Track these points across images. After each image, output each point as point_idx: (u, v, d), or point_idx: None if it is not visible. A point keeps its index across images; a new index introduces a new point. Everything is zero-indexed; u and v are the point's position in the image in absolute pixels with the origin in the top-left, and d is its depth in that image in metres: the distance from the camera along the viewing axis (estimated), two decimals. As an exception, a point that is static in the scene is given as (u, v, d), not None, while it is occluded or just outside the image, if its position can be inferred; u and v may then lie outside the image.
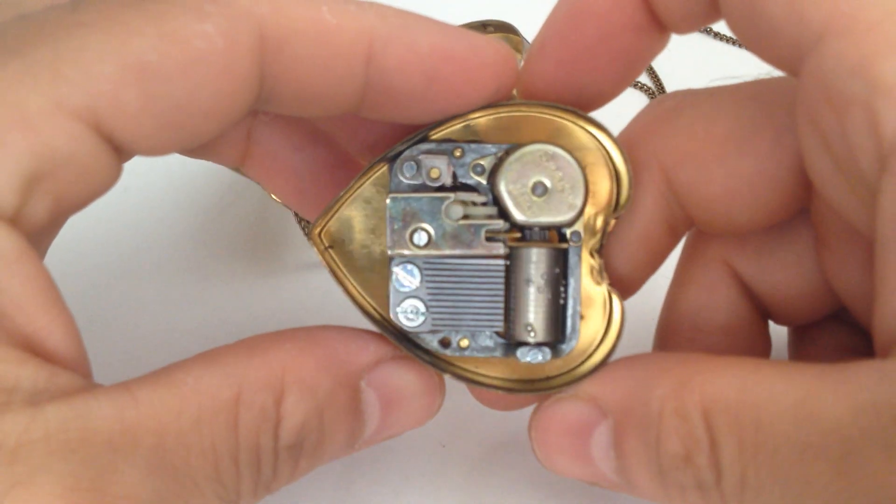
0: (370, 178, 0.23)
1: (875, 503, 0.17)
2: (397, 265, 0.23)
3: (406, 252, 0.22)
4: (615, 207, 0.23)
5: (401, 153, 0.23)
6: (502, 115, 0.23)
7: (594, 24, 0.22)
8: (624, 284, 0.25)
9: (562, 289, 0.23)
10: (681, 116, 0.23)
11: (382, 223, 0.23)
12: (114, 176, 0.21)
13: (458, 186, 0.23)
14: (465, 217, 0.22)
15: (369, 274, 0.23)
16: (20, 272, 0.18)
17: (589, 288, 0.23)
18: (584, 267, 0.23)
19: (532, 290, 0.22)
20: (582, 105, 0.23)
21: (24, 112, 0.18)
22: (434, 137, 0.23)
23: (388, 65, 0.21)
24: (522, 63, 0.24)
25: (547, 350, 0.22)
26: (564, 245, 0.22)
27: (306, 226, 0.38)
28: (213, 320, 0.36)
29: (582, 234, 0.23)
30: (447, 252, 0.22)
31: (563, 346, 0.23)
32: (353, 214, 0.23)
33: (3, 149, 0.18)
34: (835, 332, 0.26)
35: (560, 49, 0.22)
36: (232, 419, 0.20)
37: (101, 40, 0.19)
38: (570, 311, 0.23)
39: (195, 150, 0.25)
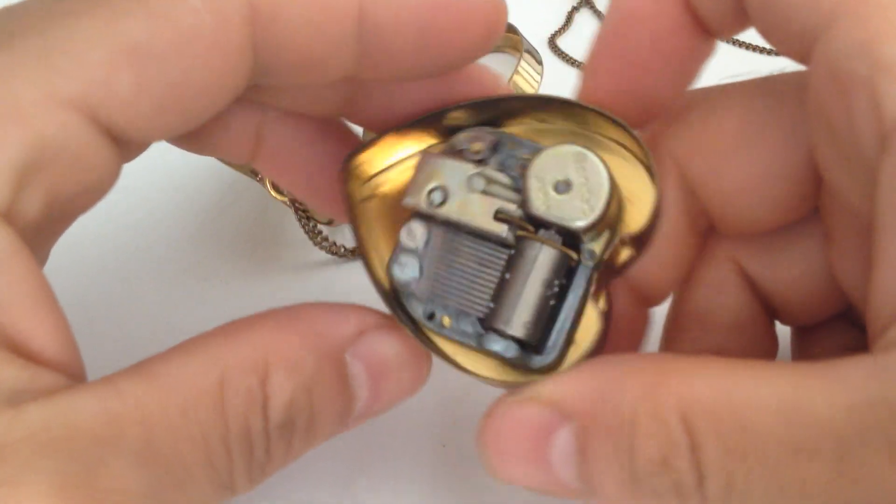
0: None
1: (877, 502, 0.17)
2: (411, 221, 0.23)
3: (420, 205, 0.22)
4: (635, 239, 0.22)
5: (456, 128, 0.23)
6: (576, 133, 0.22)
7: (642, 29, 0.22)
8: (653, 289, 0.24)
9: (557, 297, 0.22)
10: (692, 111, 0.23)
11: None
12: (113, 169, 0.20)
13: (486, 162, 0.23)
14: (485, 192, 0.22)
15: (385, 225, 0.24)
16: (8, 271, 0.18)
17: (590, 314, 0.22)
18: (592, 289, 0.22)
19: (526, 285, 0.21)
20: (643, 113, 0.23)
21: (14, 103, 0.18)
22: (505, 129, 0.23)
23: (380, 21, 0.21)
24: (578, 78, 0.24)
25: (514, 346, 0.21)
26: (575, 256, 0.22)
27: (307, 224, 0.38)
28: (213, 320, 0.36)
29: (597, 255, 0.22)
30: (455, 217, 0.22)
31: (537, 358, 0.22)
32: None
33: None
34: (840, 332, 0.26)
35: (613, 58, 0.22)
36: (218, 404, 0.20)
37: (90, 26, 0.19)
38: (557, 326, 0.22)
39: (204, 147, 0.25)
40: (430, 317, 0.23)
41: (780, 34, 0.20)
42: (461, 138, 0.23)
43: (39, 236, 0.21)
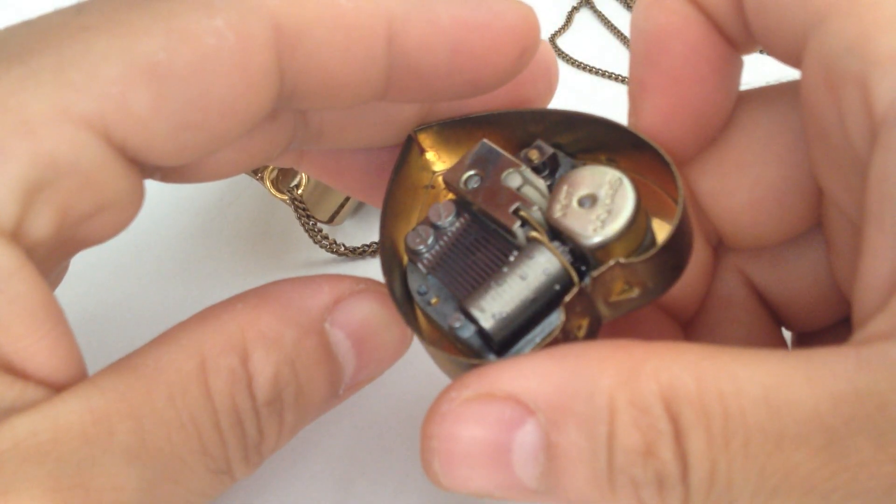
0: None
1: (866, 490, 0.16)
2: (444, 202, 0.23)
3: (451, 180, 0.23)
4: (630, 272, 0.20)
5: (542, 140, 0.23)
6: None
7: (675, 44, 0.22)
8: (681, 304, 0.24)
9: (544, 311, 0.21)
10: None
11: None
12: (132, 190, 0.20)
13: (538, 173, 0.23)
14: (518, 190, 0.22)
15: (422, 199, 0.24)
16: (10, 290, 0.18)
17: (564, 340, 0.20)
18: (574, 317, 0.20)
19: (514, 282, 0.21)
20: (698, 133, 0.23)
21: (24, 117, 0.17)
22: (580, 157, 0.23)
23: (410, 43, 0.20)
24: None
25: (474, 330, 0.21)
26: (576, 278, 0.21)
27: (307, 222, 0.38)
28: (213, 320, 0.36)
29: (596, 287, 0.20)
30: (478, 202, 0.22)
31: (490, 356, 0.21)
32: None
33: (1, 156, 0.17)
34: (842, 336, 0.26)
35: (655, 75, 0.22)
36: (203, 387, 0.19)
37: (107, 43, 0.18)
38: (528, 336, 0.21)
39: (237, 160, 0.24)
40: (422, 291, 0.23)
41: (775, 36, 0.20)
42: (524, 151, 0.23)
43: (52, 254, 0.20)
